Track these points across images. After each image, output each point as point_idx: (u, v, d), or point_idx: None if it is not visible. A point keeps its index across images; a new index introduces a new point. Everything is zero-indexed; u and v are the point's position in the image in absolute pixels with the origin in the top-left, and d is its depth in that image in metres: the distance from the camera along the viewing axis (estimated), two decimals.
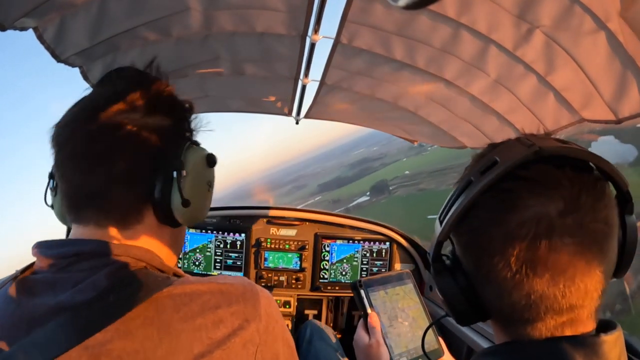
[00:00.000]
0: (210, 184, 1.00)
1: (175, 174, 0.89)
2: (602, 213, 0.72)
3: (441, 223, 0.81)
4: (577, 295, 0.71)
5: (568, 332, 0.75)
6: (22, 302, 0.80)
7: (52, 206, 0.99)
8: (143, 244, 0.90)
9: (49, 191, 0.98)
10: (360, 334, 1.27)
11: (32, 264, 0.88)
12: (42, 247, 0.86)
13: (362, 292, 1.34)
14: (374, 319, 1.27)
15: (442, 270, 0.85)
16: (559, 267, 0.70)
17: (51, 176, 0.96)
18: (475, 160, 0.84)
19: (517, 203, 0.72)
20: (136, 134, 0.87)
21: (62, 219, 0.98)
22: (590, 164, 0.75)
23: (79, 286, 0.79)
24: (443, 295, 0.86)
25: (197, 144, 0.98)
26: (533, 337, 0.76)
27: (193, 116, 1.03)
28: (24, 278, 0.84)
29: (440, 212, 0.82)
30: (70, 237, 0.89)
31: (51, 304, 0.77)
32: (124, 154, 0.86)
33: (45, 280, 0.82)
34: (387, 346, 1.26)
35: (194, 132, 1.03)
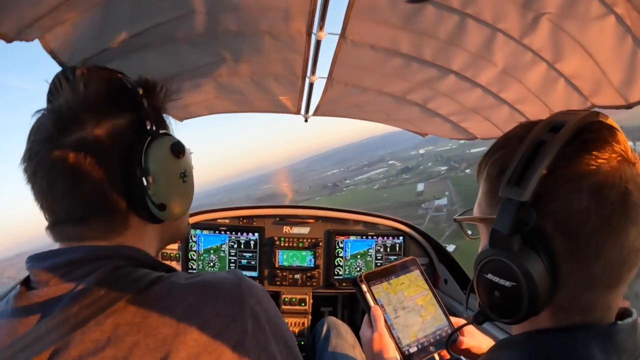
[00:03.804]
0: (183, 174, 0.95)
1: (144, 181, 0.86)
2: None
3: (518, 184, 0.71)
4: None
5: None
6: (22, 317, 0.79)
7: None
8: (132, 242, 0.90)
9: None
10: (364, 328, 1.27)
11: (28, 277, 0.86)
12: (34, 261, 0.85)
13: (363, 287, 1.33)
14: (375, 312, 1.26)
15: (524, 247, 0.73)
16: None
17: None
18: (524, 128, 0.80)
19: (605, 147, 0.71)
20: (91, 153, 0.83)
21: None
22: None
23: (72, 292, 0.79)
24: (513, 281, 0.73)
25: (158, 135, 0.91)
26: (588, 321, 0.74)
27: (161, 92, 0.96)
28: (22, 294, 0.83)
29: (509, 177, 0.73)
30: (60, 245, 0.88)
31: (48, 309, 0.78)
32: (88, 177, 0.83)
33: (42, 294, 0.81)
34: (394, 338, 1.25)
35: (164, 106, 0.99)
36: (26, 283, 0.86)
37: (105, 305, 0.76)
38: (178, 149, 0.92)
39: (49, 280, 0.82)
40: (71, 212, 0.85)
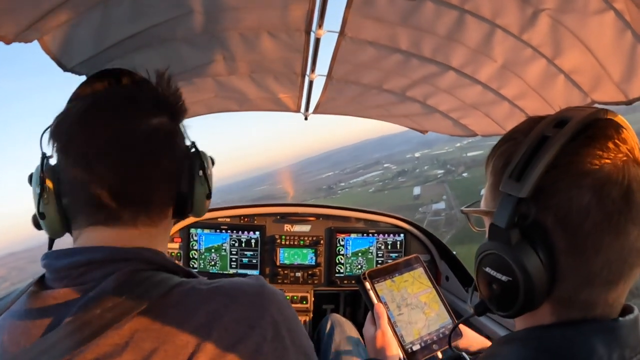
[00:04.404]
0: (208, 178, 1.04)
1: (200, 171, 0.98)
2: None
3: (518, 179, 0.72)
4: None
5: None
6: (36, 319, 0.78)
7: (42, 214, 0.90)
8: (159, 237, 0.94)
9: (41, 199, 0.88)
10: (367, 326, 1.27)
11: (43, 276, 0.86)
12: (51, 258, 0.84)
13: (366, 284, 1.34)
14: (379, 309, 1.27)
15: (522, 241, 0.73)
16: None
17: (42, 181, 0.88)
18: (531, 123, 0.80)
19: (609, 145, 0.70)
20: (164, 137, 0.92)
21: (57, 226, 0.91)
22: None
23: (90, 294, 0.78)
24: (509, 275, 0.73)
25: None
26: (590, 315, 0.74)
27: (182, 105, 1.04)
28: (37, 293, 0.82)
29: (510, 171, 0.74)
30: (78, 244, 0.88)
31: (66, 317, 0.76)
32: (162, 157, 0.91)
33: (58, 295, 0.80)
34: (397, 335, 1.25)
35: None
36: (41, 281, 0.85)
37: (126, 311, 0.76)
38: (213, 160, 1.06)
39: (65, 279, 0.81)
40: (133, 189, 0.88)
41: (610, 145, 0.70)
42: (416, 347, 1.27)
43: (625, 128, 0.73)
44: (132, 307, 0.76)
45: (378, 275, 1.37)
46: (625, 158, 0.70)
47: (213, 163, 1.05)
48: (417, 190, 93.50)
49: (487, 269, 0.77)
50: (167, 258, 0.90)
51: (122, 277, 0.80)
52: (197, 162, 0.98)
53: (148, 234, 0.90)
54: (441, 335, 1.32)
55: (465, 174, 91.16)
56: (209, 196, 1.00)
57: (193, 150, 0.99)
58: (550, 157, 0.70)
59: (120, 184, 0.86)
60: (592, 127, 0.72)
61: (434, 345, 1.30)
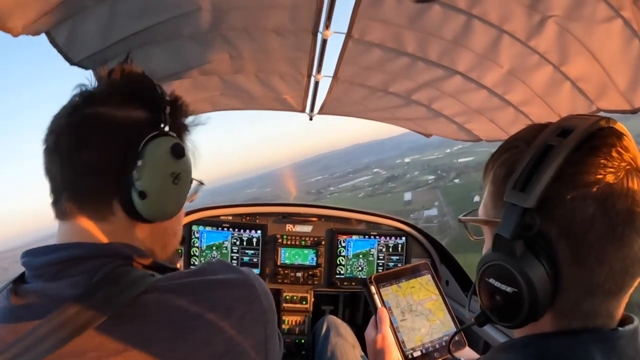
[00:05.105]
0: (176, 176, 0.94)
1: (135, 164, 0.88)
2: None
3: (523, 189, 0.71)
4: None
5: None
6: (14, 310, 0.79)
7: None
8: (125, 240, 0.89)
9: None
10: (369, 329, 1.27)
11: (23, 273, 0.87)
12: (30, 256, 0.85)
13: (372, 288, 1.33)
14: (382, 313, 1.27)
15: (526, 252, 0.72)
16: None
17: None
18: (533, 131, 0.79)
19: (613, 155, 0.70)
20: (102, 126, 0.87)
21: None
22: None
23: (70, 293, 0.78)
24: (514, 286, 0.73)
25: (170, 135, 0.94)
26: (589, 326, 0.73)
27: (184, 108, 1.01)
28: (17, 287, 0.82)
29: (514, 181, 0.73)
30: (57, 240, 0.88)
31: (43, 309, 0.77)
32: (87, 147, 0.86)
33: (36, 289, 0.81)
34: (398, 340, 1.25)
35: (185, 125, 1.02)
36: (20, 279, 0.86)
37: (105, 309, 0.76)
38: (177, 150, 0.93)
39: (43, 276, 0.82)
40: (65, 177, 0.87)
41: (614, 154, 0.70)
42: (417, 354, 1.27)
43: (626, 135, 0.73)
44: (111, 306, 0.77)
45: (384, 279, 1.37)
46: (628, 167, 0.69)
47: (176, 155, 0.93)
48: (407, 196, 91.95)
49: (491, 280, 0.77)
50: (144, 253, 0.91)
51: (102, 274, 0.81)
52: (135, 147, 0.88)
53: (104, 230, 0.89)
54: (443, 344, 1.32)
55: (457, 180, 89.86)
56: (140, 195, 0.88)
57: (148, 140, 0.89)
58: (556, 168, 0.69)
59: (55, 176, 0.88)
60: (596, 137, 0.72)
61: (435, 353, 1.29)
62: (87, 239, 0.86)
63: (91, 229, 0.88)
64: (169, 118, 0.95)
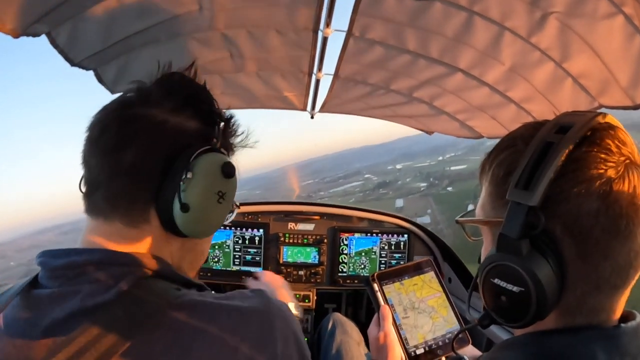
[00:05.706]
0: (221, 195, 0.91)
1: (182, 175, 0.84)
2: None
3: (526, 188, 0.70)
4: None
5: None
6: (30, 319, 0.76)
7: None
8: (152, 251, 0.86)
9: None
10: (372, 327, 1.27)
11: (36, 275, 0.83)
12: (47, 257, 0.82)
13: (374, 285, 1.33)
14: (384, 311, 1.27)
15: (532, 251, 0.71)
16: None
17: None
18: (529, 129, 0.79)
19: (613, 150, 0.70)
20: (151, 128, 0.84)
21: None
22: None
23: (88, 299, 0.75)
24: (522, 286, 0.72)
25: (221, 152, 0.91)
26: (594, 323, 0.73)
27: (236, 128, 0.98)
28: (30, 293, 0.80)
29: (516, 180, 0.72)
30: (83, 235, 0.86)
31: (59, 317, 0.74)
32: (132, 147, 0.82)
33: (52, 295, 0.78)
34: (401, 338, 1.25)
35: (233, 144, 0.99)
36: (35, 281, 0.83)
37: (129, 333, 0.73)
38: (228, 170, 0.90)
39: (59, 279, 0.79)
40: (100, 174, 0.83)
41: (614, 148, 0.70)
42: (420, 351, 1.27)
43: (621, 128, 0.73)
44: (135, 327, 0.74)
45: (387, 277, 1.37)
46: (627, 161, 0.69)
47: (226, 174, 0.90)
48: (399, 203, 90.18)
49: (496, 280, 0.76)
50: (171, 267, 0.88)
51: (126, 286, 0.77)
52: (180, 167, 0.85)
53: (131, 236, 0.86)
54: (447, 341, 1.31)
55: (449, 188, 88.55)
56: (183, 208, 0.84)
57: (200, 153, 0.87)
58: (558, 164, 0.69)
59: (91, 170, 0.85)
60: (594, 133, 0.72)
61: (438, 351, 1.29)
62: (113, 243, 0.83)
63: (120, 233, 0.84)
64: (221, 134, 0.93)
